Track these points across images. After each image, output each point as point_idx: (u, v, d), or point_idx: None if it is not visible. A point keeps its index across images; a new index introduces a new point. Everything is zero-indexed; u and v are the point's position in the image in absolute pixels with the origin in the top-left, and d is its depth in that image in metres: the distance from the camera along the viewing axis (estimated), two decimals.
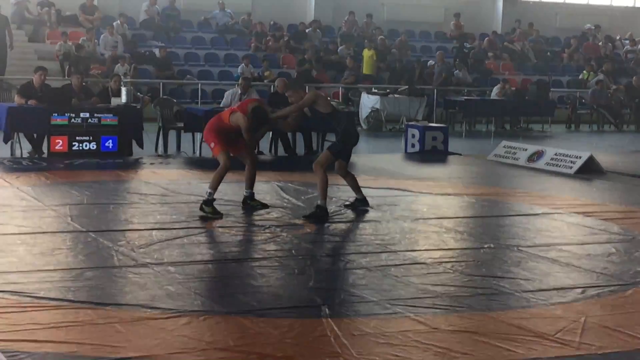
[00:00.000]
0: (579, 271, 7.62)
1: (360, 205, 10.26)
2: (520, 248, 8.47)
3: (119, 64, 21.57)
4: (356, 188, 10.29)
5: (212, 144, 9.81)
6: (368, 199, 10.25)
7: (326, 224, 9.41)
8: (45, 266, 7.20)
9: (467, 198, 11.66)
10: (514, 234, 9.32)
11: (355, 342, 5.49)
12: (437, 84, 24.08)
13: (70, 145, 14.11)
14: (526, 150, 15.84)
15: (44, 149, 14.32)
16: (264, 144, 15.95)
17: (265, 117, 9.70)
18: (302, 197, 10.94)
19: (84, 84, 15.65)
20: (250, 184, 10.11)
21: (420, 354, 5.34)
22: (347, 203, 10.36)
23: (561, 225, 9.85)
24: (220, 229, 8.91)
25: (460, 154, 16.73)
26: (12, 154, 14.09)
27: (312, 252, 8.07)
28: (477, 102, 23.28)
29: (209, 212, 9.44)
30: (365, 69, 24.92)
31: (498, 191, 12.36)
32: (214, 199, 9.51)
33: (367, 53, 25.04)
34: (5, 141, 14.17)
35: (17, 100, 14.55)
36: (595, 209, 10.91)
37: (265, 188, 11.59)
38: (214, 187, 9.53)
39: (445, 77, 24.45)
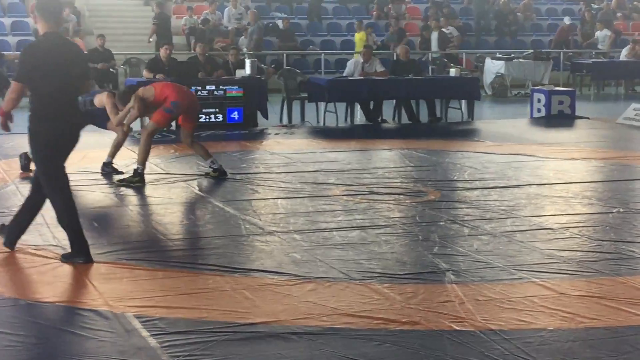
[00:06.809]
0: None
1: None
2: None
3: (242, 36, 21.81)
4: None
5: None
6: (493, 165, 10.12)
7: (450, 191, 9.36)
8: (174, 235, 7.41)
9: (595, 162, 11.41)
10: None
11: (481, 308, 5.47)
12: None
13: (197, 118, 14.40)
14: None
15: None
16: (388, 112, 15.96)
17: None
18: (426, 165, 10.92)
19: (206, 55, 15.93)
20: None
21: (547, 319, 5.27)
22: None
23: None
24: (344, 197, 8.97)
25: (588, 118, 16.38)
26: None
27: (436, 218, 8.05)
28: (606, 64, 22.69)
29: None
30: None
31: (628, 155, 12.06)
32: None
33: None
34: None
35: (146, 74, 14.89)
36: None
37: (389, 155, 11.60)
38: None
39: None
